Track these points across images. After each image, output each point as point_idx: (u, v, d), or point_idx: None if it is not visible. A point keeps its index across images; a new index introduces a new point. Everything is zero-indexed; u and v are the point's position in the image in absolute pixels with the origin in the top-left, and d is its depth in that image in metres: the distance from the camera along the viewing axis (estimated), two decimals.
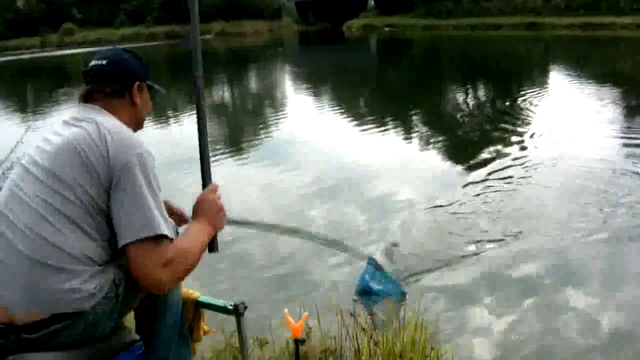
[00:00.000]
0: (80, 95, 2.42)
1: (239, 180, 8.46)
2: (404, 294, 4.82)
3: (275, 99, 18.38)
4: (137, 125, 2.53)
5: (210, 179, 2.62)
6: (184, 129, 13.55)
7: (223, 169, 9.18)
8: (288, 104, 16.73)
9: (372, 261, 5.00)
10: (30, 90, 29.01)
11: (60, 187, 2.06)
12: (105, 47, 2.62)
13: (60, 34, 75.09)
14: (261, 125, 13.50)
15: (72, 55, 48.72)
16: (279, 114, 15.25)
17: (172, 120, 15.04)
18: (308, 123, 13.11)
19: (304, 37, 55.08)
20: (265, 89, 21.49)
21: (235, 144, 11.43)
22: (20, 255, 2.01)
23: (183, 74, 26.25)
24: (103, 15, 78.15)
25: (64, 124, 2.28)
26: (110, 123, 2.24)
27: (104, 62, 2.44)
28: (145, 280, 2.05)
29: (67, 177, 2.06)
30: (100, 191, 2.07)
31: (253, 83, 24.17)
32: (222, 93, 21.14)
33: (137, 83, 2.48)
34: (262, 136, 11.97)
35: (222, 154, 10.34)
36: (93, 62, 2.46)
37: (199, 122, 2.67)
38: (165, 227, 2.08)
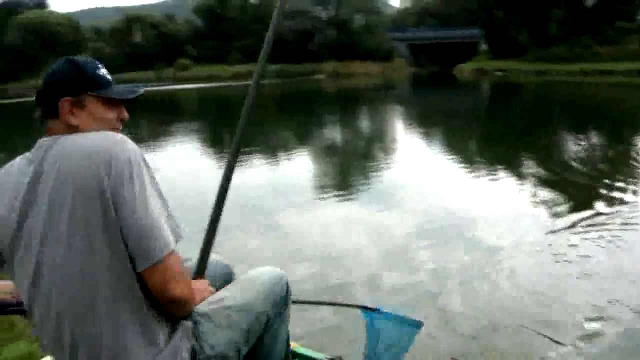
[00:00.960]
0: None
1: (344, 220, 8.14)
2: (419, 323, 3.30)
3: (385, 140, 18.06)
4: None
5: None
6: (286, 167, 13.30)
7: (329, 208, 8.92)
8: (398, 146, 16.41)
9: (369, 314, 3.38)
10: (143, 121, 29.56)
11: None
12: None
13: (175, 69, 77.62)
14: (370, 166, 13.13)
15: (186, 90, 49.86)
16: (388, 155, 14.97)
17: (272, 160, 14.62)
18: (416, 165, 12.72)
19: (416, 80, 54.47)
20: (376, 130, 21.14)
21: (343, 184, 11.17)
22: None
23: (289, 113, 26.24)
24: (216, 52, 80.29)
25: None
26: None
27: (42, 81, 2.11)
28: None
29: None
30: None
31: (364, 124, 23.77)
32: (333, 132, 20.82)
33: (65, 99, 2.05)
34: (371, 177, 11.57)
35: (329, 192, 10.02)
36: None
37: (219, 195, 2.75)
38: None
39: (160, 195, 1.98)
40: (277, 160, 14.31)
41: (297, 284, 5.58)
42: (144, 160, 1.96)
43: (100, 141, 1.91)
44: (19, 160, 2.05)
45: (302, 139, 18.79)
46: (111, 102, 2.16)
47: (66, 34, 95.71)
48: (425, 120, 22.44)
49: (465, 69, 55.53)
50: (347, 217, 8.27)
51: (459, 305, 5.06)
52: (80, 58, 2.16)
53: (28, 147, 2.09)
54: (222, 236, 7.10)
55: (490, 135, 18.28)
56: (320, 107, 30.65)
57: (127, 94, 2.20)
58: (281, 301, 2.43)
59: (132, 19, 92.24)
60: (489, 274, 5.74)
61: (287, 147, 16.69)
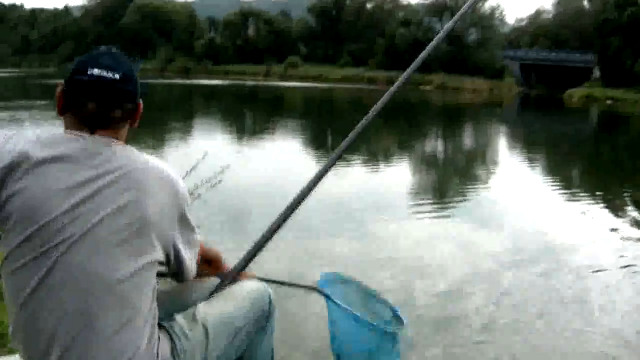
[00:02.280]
0: (87, 119, 1.86)
1: (435, 235, 8.16)
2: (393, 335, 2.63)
3: (486, 159, 17.83)
4: None
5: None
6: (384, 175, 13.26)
7: (421, 221, 8.93)
8: (499, 166, 16.23)
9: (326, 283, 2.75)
10: (248, 115, 30.10)
11: None
12: (102, 47, 1.97)
13: (285, 66, 78.70)
14: (468, 183, 13.07)
15: (293, 88, 50.46)
16: (488, 174, 14.84)
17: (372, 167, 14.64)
18: (515, 187, 12.51)
19: (523, 100, 53.28)
20: (478, 148, 20.89)
21: (439, 198, 11.15)
22: None
23: (393, 121, 26.10)
24: (327, 53, 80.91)
25: (78, 185, 1.77)
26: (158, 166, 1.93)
27: (117, 75, 1.85)
28: None
29: None
30: None
31: (467, 140, 23.56)
32: (434, 146, 20.80)
33: (139, 102, 1.98)
34: (467, 194, 11.52)
35: (424, 205, 10.04)
36: (96, 72, 1.84)
37: None
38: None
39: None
40: (376, 169, 14.35)
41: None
42: None
43: (169, 170, 1.93)
44: (65, 140, 1.84)
45: (403, 149, 18.79)
46: None
47: (181, 22, 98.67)
48: (530, 143, 22.04)
49: (575, 94, 53.95)
50: (438, 232, 8.25)
51: (541, 337, 4.93)
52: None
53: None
54: (311, 239, 7.31)
55: (594, 164, 17.86)
56: (424, 119, 30.50)
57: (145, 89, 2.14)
58: (263, 315, 2.34)
59: (247, 13, 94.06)
60: (576, 308, 5.60)
61: (387, 157, 16.75)
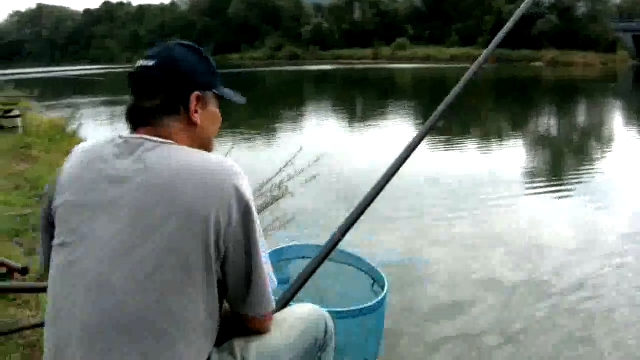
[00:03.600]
0: (127, 114, 1.84)
1: (552, 215, 8.07)
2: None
3: (602, 137, 17.28)
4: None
5: None
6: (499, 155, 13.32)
7: (536, 199, 8.95)
8: (615, 143, 15.58)
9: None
10: (358, 99, 30.47)
11: None
12: (160, 43, 1.93)
13: (393, 48, 78.42)
14: (584, 162, 12.85)
15: (402, 70, 50.30)
16: (604, 152, 14.35)
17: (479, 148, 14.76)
18: (635, 166, 12.02)
19: (638, 74, 50.92)
20: (593, 125, 20.28)
21: (553, 177, 11.03)
22: None
23: (505, 99, 25.97)
24: (435, 34, 80.00)
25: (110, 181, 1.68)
26: (177, 161, 1.67)
27: (152, 62, 1.81)
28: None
29: None
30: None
31: (581, 117, 22.95)
32: (547, 123, 20.51)
33: (196, 94, 1.83)
34: (583, 173, 11.29)
35: (538, 184, 10.08)
36: (139, 63, 1.85)
37: None
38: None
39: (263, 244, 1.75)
40: (489, 148, 14.45)
41: (489, 269, 5.98)
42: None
43: (222, 171, 1.66)
44: (103, 144, 1.78)
45: (516, 127, 18.71)
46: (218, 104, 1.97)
47: (287, 9, 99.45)
48: None
49: None
50: (553, 212, 8.21)
51: None
52: (197, 47, 1.93)
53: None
54: (425, 219, 7.75)
55: None
56: (536, 96, 30.02)
57: (239, 99, 2.05)
58: (315, 346, 1.97)
59: None
60: None
61: (500, 135, 16.71)
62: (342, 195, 8.68)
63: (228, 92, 1.98)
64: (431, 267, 6.06)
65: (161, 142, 1.71)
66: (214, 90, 1.91)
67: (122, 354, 1.52)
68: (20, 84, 32.13)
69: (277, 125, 18.92)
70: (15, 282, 3.11)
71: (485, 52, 2.77)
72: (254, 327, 1.82)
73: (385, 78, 45.35)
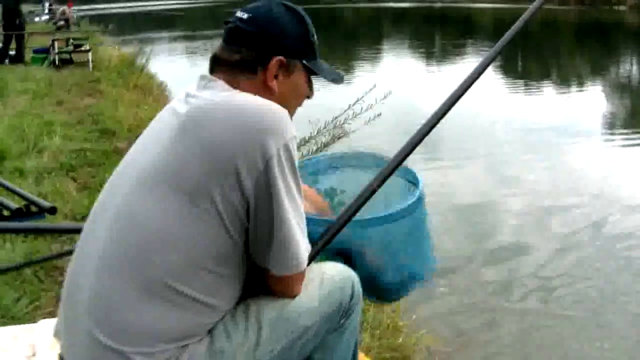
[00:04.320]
0: (210, 61, 1.77)
1: (630, 165, 7.88)
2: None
3: None
4: None
5: None
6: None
7: (616, 150, 8.71)
8: None
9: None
10: (437, 37, 29.93)
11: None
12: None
13: None
14: None
15: (481, 9, 49.11)
16: None
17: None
18: None
19: None
20: None
21: (635, 127, 10.60)
22: None
23: (584, 44, 24.96)
24: None
25: (172, 111, 1.66)
26: (233, 99, 1.60)
27: (245, 15, 1.72)
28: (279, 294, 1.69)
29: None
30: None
31: None
32: (629, 70, 19.57)
33: (279, 58, 1.69)
34: None
35: (619, 135, 9.78)
36: (236, 14, 1.77)
37: None
38: (306, 253, 1.64)
39: (301, 193, 1.61)
40: (568, 95, 13.96)
41: (561, 216, 5.91)
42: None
43: (256, 117, 1.53)
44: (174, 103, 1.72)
45: (595, 73, 18.00)
46: (309, 78, 1.82)
47: None
48: None
49: None
50: (632, 162, 8.02)
51: None
52: (302, 11, 1.80)
53: None
54: (500, 166, 7.45)
55: None
56: (617, 42, 28.80)
57: (335, 78, 1.87)
58: (339, 311, 1.79)
59: None
60: None
61: (579, 82, 16.17)
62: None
63: (322, 67, 1.83)
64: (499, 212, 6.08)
65: (223, 84, 1.66)
66: (304, 61, 1.78)
67: (123, 288, 1.49)
68: (100, 18, 32.60)
69: (353, 63, 18.72)
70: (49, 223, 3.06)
71: None
72: (276, 288, 1.67)
73: (465, 17, 44.36)
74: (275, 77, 1.70)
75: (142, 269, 1.49)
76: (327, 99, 4.24)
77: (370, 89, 6.00)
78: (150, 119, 1.73)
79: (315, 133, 6.06)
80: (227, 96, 1.61)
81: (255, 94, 1.63)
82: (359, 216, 1.94)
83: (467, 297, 4.48)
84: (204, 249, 1.50)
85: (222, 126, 1.51)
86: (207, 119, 1.54)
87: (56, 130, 7.00)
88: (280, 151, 1.50)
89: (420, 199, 2.15)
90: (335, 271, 1.83)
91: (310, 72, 1.81)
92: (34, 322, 2.64)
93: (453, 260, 4.97)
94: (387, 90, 6.06)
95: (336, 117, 6.10)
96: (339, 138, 6.11)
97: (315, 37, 1.82)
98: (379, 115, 6.06)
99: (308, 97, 1.85)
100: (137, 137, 1.73)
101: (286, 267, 1.59)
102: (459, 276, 4.79)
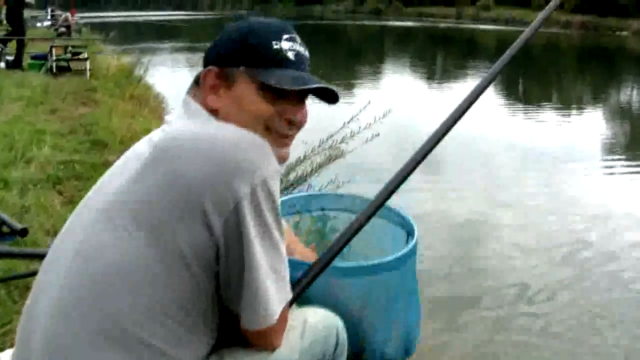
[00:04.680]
0: None
1: (630, 192, 7.73)
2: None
3: None
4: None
5: None
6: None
7: (615, 177, 8.59)
8: None
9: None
10: (440, 56, 29.90)
11: None
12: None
13: (477, 8, 76.96)
14: None
15: (485, 31, 49.29)
16: None
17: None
18: None
19: None
20: None
21: (633, 154, 10.49)
22: None
23: (586, 68, 24.94)
24: None
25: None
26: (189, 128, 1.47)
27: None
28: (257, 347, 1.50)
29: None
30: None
31: None
32: (630, 96, 19.45)
33: (209, 68, 1.55)
34: None
35: (619, 161, 9.64)
36: None
37: None
38: (282, 303, 1.44)
39: (282, 234, 1.44)
40: (567, 118, 13.89)
41: (560, 239, 5.80)
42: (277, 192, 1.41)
43: (237, 146, 1.36)
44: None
45: (597, 97, 17.93)
46: (273, 91, 1.52)
47: None
48: None
49: None
50: (631, 189, 7.89)
51: None
52: (264, 20, 1.62)
53: None
54: (497, 184, 7.32)
55: None
56: (620, 67, 28.79)
57: (292, 83, 1.51)
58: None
59: None
60: None
61: (579, 106, 16.07)
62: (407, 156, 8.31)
63: (274, 74, 1.52)
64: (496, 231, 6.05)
65: (200, 110, 1.55)
66: (248, 68, 1.54)
67: (79, 336, 1.31)
68: (102, 27, 32.52)
69: (354, 80, 18.52)
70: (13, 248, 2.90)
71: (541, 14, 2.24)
72: (252, 341, 1.49)
73: (468, 39, 44.45)
74: (215, 90, 1.55)
75: (100, 314, 1.32)
76: (325, 117, 4.09)
77: (365, 106, 5.88)
78: (144, 131, 1.61)
79: (309, 152, 5.92)
80: (200, 125, 1.48)
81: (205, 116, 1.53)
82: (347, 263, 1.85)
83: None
84: (167, 294, 1.34)
85: (190, 160, 1.34)
86: (176, 151, 1.38)
87: (46, 139, 6.83)
88: (257, 189, 1.34)
89: (413, 252, 2.01)
90: (318, 317, 1.68)
91: (263, 84, 1.52)
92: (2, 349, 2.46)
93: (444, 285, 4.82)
94: (386, 109, 5.93)
95: (331, 136, 5.96)
96: (335, 159, 5.97)
97: (273, 43, 1.56)
98: (377, 135, 5.92)
99: (290, 121, 1.57)
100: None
101: (255, 320, 1.42)
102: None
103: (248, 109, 1.53)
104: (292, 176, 5.87)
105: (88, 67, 13.14)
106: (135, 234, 1.33)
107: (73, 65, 13.43)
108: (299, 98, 1.59)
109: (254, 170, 1.34)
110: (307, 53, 1.64)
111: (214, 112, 1.53)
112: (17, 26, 14.09)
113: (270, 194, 1.37)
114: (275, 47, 1.55)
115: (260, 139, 1.42)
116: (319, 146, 5.93)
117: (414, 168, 1.85)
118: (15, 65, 13.69)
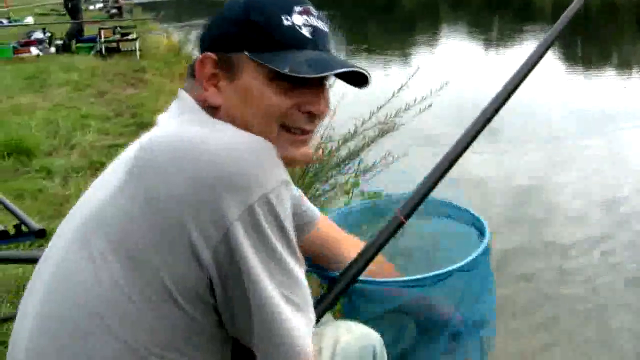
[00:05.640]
0: None
1: None
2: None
3: None
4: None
5: None
6: None
7: None
8: None
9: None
10: (495, 23, 29.20)
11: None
12: None
13: None
14: None
15: None
16: None
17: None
18: None
19: None
20: None
21: None
22: None
23: None
24: None
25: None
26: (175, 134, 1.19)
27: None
28: None
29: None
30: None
31: None
32: None
33: (207, 55, 1.25)
34: None
35: None
36: None
37: None
38: (304, 335, 1.16)
39: (295, 254, 1.17)
40: (629, 78, 13.09)
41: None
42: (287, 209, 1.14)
43: (229, 154, 1.09)
44: None
45: None
46: (287, 80, 1.23)
47: None
48: None
49: None
50: None
51: None
52: None
53: None
54: (557, 146, 7.05)
55: None
56: None
57: (311, 69, 1.22)
58: None
59: None
60: None
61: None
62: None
63: (287, 59, 1.22)
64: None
65: (190, 103, 1.27)
66: (252, 54, 1.23)
67: None
68: (153, 6, 32.65)
69: (409, 51, 18.05)
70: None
71: None
72: None
73: (525, 2, 43.41)
74: (214, 81, 1.26)
75: (75, 353, 1.10)
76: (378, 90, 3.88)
77: (414, 73, 5.59)
78: None
79: (360, 126, 5.69)
80: (192, 128, 1.18)
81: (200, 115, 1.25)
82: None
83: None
84: (153, 335, 1.10)
85: (168, 174, 1.08)
86: (154, 165, 1.12)
87: (91, 124, 6.77)
88: (254, 209, 1.06)
89: (485, 253, 1.84)
90: (351, 336, 1.45)
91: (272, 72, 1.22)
92: None
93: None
94: (442, 80, 5.64)
95: (380, 107, 5.70)
96: (387, 132, 5.71)
97: (282, 20, 1.24)
98: (430, 106, 5.64)
99: (309, 113, 1.28)
100: None
101: (275, 357, 1.15)
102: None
103: (257, 103, 1.24)
104: (343, 152, 5.66)
105: (137, 47, 13.06)
106: (112, 262, 1.09)
107: (122, 46, 13.40)
108: (319, 83, 1.28)
109: (249, 186, 1.07)
110: (326, 28, 1.31)
111: (214, 110, 1.25)
112: (74, 12, 14.26)
113: (274, 211, 1.09)
114: (286, 23, 1.24)
115: (263, 143, 1.14)
116: (370, 119, 5.69)
117: (474, 138, 1.69)
118: (65, 48, 13.71)
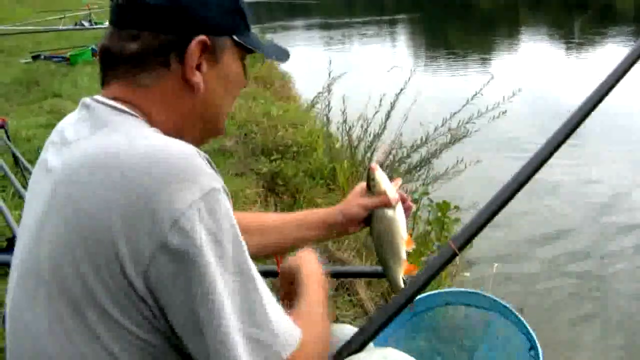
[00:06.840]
0: (99, 60, 1.20)
1: None
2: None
3: None
4: (200, 134, 1.22)
5: None
6: None
7: None
8: None
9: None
10: (575, 25, 28.45)
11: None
12: None
13: None
14: None
15: None
16: None
17: None
18: None
19: None
20: None
21: None
22: None
23: None
24: None
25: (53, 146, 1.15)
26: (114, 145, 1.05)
27: None
28: None
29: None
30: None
31: None
32: None
33: (200, 39, 1.14)
34: None
35: None
36: None
37: None
38: (288, 335, 1.05)
39: (247, 263, 1.04)
40: None
41: None
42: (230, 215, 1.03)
43: (151, 165, 0.99)
44: (60, 126, 1.20)
45: None
46: (243, 60, 1.26)
47: None
48: None
49: None
50: None
51: None
52: None
53: None
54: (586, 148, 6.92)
55: None
56: None
57: (279, 55, 1.32)
58: None
59: None
60: None
61: None
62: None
63: (260, 43, 1.26)
64: None
65: (114, 109, 1.10)
66: (234, 37, 1.20)
67: None
68: None
69: (487, 54, 18.01)
70: None
71: None
72: None
73: (605, 4, 42.12)
74: (198, 67, 1.16)
75: None
76: (445, 89, 3.89)
77: (488, 81, 5.61)
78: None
79: (432, 132, 5.68)
80: (100, 140, 1.06)
81: (168, 97, 1.14)
82: None
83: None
84: None
85: (91, 196, 0.99)
86: (74, 185, 1.02)
87: None
88: (181, 222, 0.96)
89: None
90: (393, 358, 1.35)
91: (245, 51, 1.24)
92: None
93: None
94: (516, 87, 5.58)
95: (454, 114, 5.68)
96: (460, 139, 5.69)
97: (243, 4, 1.23)
98: (505, 112, 5.59)
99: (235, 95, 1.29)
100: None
101: None
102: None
103: (235, 85, 1.26)
104: (415, 158, 5.68)
105: None
106: (58, 304, 1.01)
107: None
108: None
109: (178, 197, 0.96)
110: None
111: (191, 91, 1.16)
112: None
113: (216, 218, 0.99)
114: (243, 3, 1.25)
115: (189, 149, 1.04)
116: (442, 125, 5.69)
117: (555, 149, 1.57)
118: None
